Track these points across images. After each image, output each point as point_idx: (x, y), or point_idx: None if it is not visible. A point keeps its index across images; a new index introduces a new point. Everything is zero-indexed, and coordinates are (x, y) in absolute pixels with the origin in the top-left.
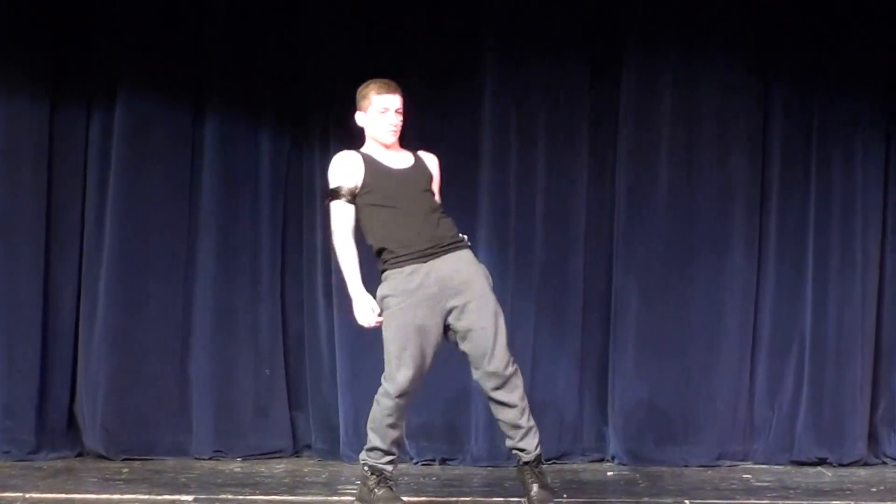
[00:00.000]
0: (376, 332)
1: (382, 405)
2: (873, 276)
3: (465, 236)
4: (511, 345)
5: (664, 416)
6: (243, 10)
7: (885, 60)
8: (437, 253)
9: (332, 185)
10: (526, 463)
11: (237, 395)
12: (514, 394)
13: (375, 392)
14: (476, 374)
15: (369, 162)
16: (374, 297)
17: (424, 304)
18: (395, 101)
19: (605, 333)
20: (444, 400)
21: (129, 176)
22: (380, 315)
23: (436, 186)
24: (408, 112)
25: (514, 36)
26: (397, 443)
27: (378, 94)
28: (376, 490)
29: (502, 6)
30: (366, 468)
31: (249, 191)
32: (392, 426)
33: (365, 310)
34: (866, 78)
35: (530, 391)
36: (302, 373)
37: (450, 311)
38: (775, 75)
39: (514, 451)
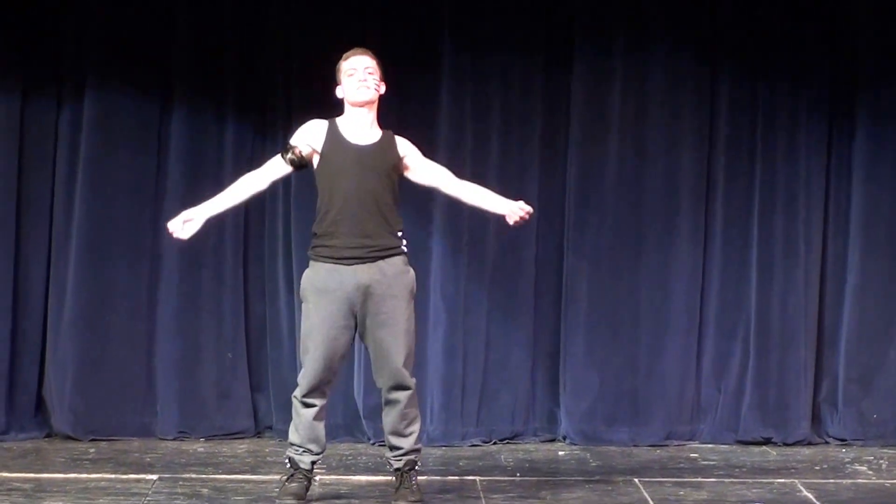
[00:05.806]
0: None
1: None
2: (815, 263)
3: (402, 235)
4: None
5: (614, 398)
6: (208, 2)
7: (827, 53)
8: (362, 259)
9: (289, 141)
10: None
11: (201, 377)
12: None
13: None
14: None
15: (332, 131)
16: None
17: (338, 307)
18: (361, 61)
19: (557, 318)
20: None
21: (96, 167)
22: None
23: (414, 171)
24: None
25: (471, 26)
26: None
27: (345, 59)
28: (287, 483)
29: None
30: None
31: (213, 180)
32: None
33: (177, 223)
34: (810, 70)
35: (484, 373)
36: (263, 356)
37: (363, 318)
38: (721, 67)
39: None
